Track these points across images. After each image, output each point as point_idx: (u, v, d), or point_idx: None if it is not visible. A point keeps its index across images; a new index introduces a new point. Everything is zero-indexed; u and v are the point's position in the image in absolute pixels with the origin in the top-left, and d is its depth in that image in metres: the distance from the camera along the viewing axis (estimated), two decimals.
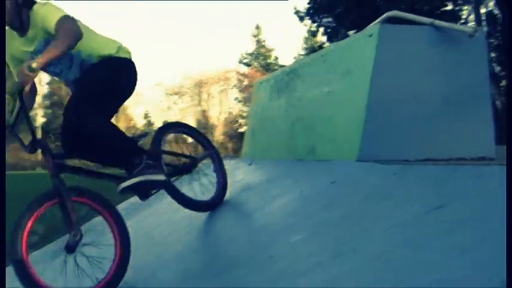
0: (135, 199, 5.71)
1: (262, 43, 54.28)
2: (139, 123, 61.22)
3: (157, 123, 60.89)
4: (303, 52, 44.98)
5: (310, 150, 5.33)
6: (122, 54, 3.75)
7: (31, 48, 3.58)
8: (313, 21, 31.05)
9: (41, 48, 3.51)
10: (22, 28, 3.53)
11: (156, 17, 78.94)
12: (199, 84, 59.19)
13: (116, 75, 3.67)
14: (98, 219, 4.05)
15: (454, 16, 27.92)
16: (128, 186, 3.50)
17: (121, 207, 6.27)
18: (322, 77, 5.42)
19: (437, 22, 4.89)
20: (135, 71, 3.83)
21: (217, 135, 58.45)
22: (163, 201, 5.46)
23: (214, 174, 4.61)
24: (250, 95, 9.16)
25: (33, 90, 3.84)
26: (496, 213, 2.34)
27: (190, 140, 4.62)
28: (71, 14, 3.50)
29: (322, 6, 28.97)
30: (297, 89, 5.92)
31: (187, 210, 4.43)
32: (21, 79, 3.21)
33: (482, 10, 29.38)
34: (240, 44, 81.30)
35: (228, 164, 4.99)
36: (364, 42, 4.83)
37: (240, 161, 6.60)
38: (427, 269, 2.16)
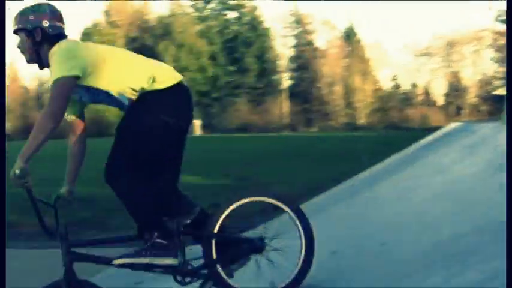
0: None
1: None
2: (386, 85, 61.55)
3: (405, 86, 60.47)
4: None
5: None
6: (158, 86, 3.18)
7: None
8: None
9: None
10: (41, 64, 3.29)
11: None
12: (450, 45, 57.18)
13: (147, 117, 3.16)
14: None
15: None
16: (123, 265, 3.20)
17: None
18: None
19: None
20: (179, 98, 3.25)
21: (470, 98, 56.07)
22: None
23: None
24: None
25: (82, 150, 3.53)
26: None
27: None
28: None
29: None
30: None
31: None
32: (15, 185, 2.96)
33: None
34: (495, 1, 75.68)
35: (486, 127, 4.73)
36: None
37: (500, 125, 6.82)
38: None
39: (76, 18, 67.10)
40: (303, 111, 58.10)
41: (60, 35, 3.24)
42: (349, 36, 59.85)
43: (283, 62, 61.37)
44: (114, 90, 3.19)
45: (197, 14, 61.47)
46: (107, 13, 60.10)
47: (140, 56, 3.35)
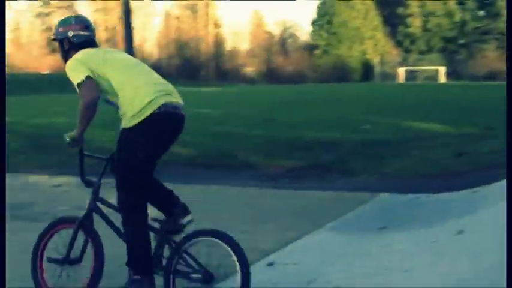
0: None
1: None
2: None
3: None
4: None
5: None
6: (150, 110, 3.36)
7: None
8: None
9: None
10: None
11: None
12: None
13: (137, 145, 3.38)
14: None
15: None
16: None
17: None
18: None
19: None
20: (165, 122, 3.40)
21: None
22: None
23: None
24: None
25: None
26: None
27: None
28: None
29: None
30: None
31: None
32: (70, 148, 3.55)
33: None
34: None
35: None
36: None
37: None
38: None
39: None
40: None
41: (86, 43, 3.63)
42: None
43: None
44: (120, 108, 3.47)
45: None
46: None
47: (141, 79, 3.51)
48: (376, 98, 23.23)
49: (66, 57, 3.61)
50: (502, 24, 53.99)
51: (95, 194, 3.62)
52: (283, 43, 67.61)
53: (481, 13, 57.07)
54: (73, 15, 3.98)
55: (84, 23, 3.70)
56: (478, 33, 56.76)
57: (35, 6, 66.21)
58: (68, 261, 3.62)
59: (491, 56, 53.43)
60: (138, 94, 3.38)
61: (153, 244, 3.46)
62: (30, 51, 59.74)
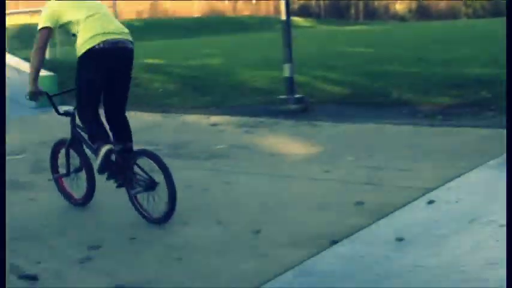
0: None
1: None
2: None
3: None
4: None
5: None
6: (88, 46, 3.93)
7: None
8: None
9: None
10: None
11: None
12: None
13: (78, 74, 4.05)
14: None
15: None
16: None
17: None
18: None
19: None
20: (99, 59, 3.95)
21: None
22: None
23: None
24: None
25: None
26: None
27: None
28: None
29: None
30: None
31: None
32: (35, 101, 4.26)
33: None
34: None
35: None
36: None
37: None
38: None
39: None
40: None
41: None
42: None
43: None
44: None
45: None
46: None
47: (95, 18, 4.04)
48: None
49: None
50: None
51: (73, 121, 4.23)
52: None
53: None
54: None
55: None
56: None
57: None
58: (68, 174, 4.40)
59: None
60: (88, 32, 3.96)
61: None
62: None
